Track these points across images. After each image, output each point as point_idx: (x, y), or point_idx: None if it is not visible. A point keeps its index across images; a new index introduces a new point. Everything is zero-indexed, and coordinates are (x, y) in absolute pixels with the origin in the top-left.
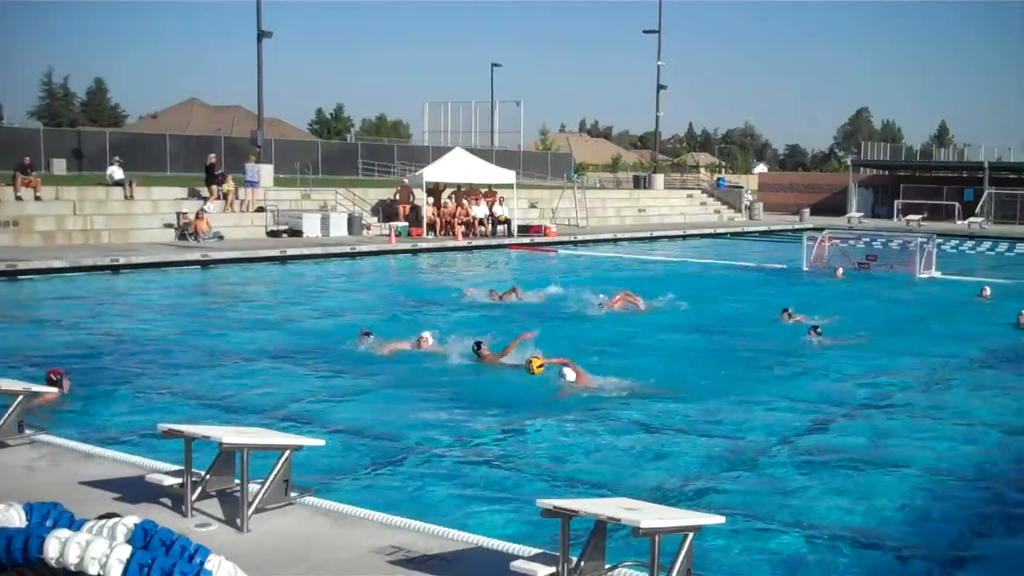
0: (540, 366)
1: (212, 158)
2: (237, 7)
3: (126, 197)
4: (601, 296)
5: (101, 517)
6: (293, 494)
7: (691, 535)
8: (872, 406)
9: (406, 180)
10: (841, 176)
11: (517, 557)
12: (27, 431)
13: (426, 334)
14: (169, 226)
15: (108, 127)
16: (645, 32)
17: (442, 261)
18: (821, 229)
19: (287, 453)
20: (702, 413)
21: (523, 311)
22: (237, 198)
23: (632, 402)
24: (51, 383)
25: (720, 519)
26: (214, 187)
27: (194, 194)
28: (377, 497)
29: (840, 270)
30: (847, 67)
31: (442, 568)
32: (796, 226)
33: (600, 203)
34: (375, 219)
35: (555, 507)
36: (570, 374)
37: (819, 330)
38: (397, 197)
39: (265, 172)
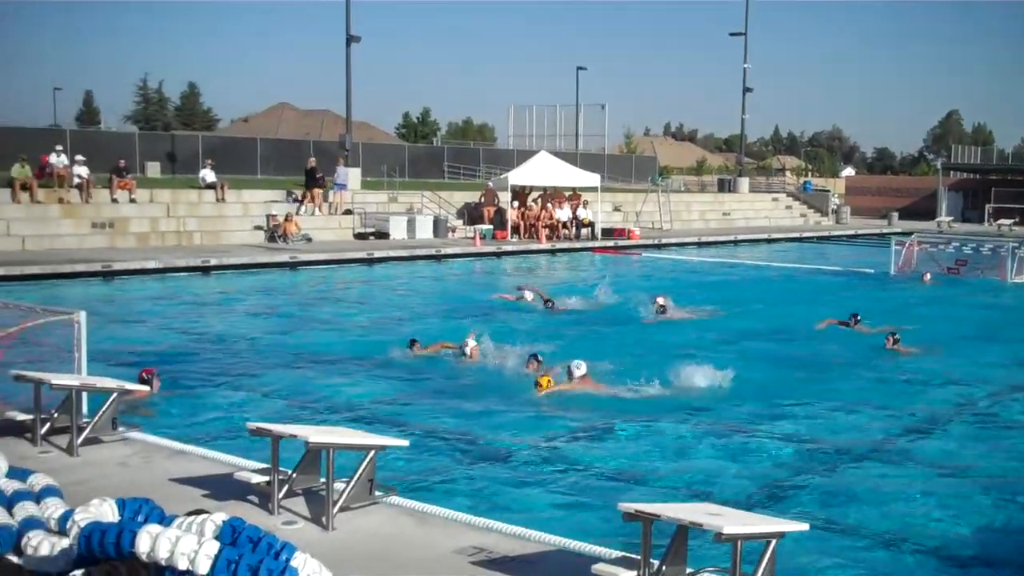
0: (547, 381)
1: (312, 162)
2: (327, 12)
3: (217, 200)
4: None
5: (190, 513)
6: (378, 493)
7: (774, 542)
8: (956, 415)
9: (490, 183)
10: (930, 180)
11: (599, 560)
12: (120, 428)
13: (472, 341)
14: (259, 228)
15: (201, 131)
16: (731, 35)
17: (525, 264)
18: (909, 233)
19: (372, 453)
20: (783, 419)
21: (579, 317)
22: (325, 200)
23: (712, 407)
24: (142, 382)
25: (804, 526)
26: (315, 190)
27: (290, 195)
28: (459, 498)
29: (928, 275)
30: (937, 69)
31: (523, 569)
32: (884, 230)
33: (684, 206)
34: (460, 222)
35: (636, 511)
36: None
37: (897, 336)
38: (482, 200)
39: (353, 175)
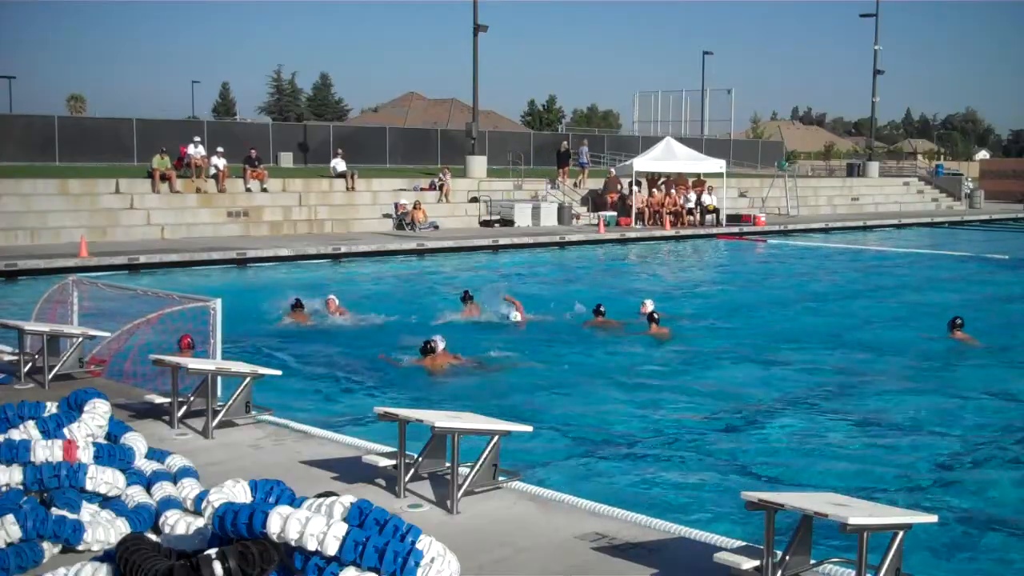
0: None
1: (565, 145)
2: (455, 2)
3: (348, 188)
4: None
5: (320, 495)
6: (501, 478)
7: (901, 533)
8: None
9: (613, 171)
10: None
11: (720, 549)
12: (253, 411)
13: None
14: (387, 216)
15: (332, 121)
16: (862, 16)
17: (649, 251)
18: None
19: (496, 438)
20: (911, 410)
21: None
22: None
23: (836, 398)
24: (189, 347)
25: (932, 518)
26: (565, 169)
27: (432, 183)
28: (581, 484)
29: None
30: None
31: (645, 557)
32: (1020, 215)
33: (812, 192)
34: (584, 209)
35: (760, 500)
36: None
37: (959, 322)
38: (606, 187)
39: (478, 163)
